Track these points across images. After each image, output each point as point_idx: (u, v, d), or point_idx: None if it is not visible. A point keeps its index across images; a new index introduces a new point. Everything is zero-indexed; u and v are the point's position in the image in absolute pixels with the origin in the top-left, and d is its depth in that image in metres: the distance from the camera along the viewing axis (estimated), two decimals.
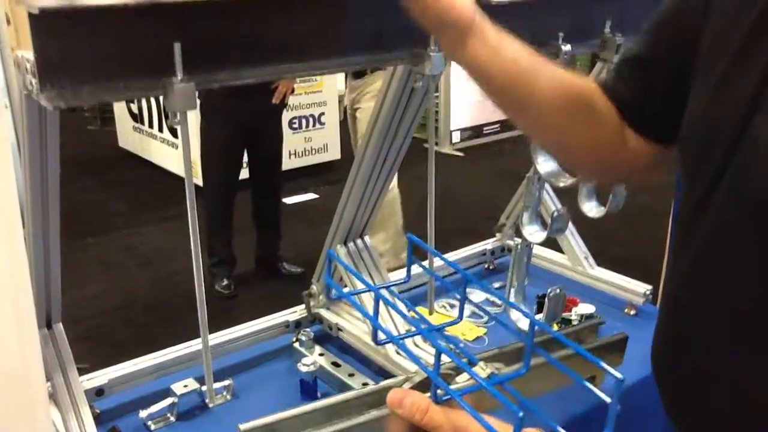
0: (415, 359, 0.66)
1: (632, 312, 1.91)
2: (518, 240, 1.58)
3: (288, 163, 5.11)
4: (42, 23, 0.84)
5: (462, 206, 5.21)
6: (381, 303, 0.69)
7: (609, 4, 1.46)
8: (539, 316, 1.57)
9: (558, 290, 1.45)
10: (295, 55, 1.06)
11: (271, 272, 4.16)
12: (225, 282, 4.00)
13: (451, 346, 0.73)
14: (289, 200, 5.29)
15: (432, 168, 1.41)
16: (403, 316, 1.54)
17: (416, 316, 1.56)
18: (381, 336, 0.74)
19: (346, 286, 1.76)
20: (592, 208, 1.55)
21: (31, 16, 0.84)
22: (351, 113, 4.08)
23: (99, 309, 3.88)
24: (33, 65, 0.87)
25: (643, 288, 1.90)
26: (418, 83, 1.22)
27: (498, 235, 2.21)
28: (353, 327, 1.66)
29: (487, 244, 2.21)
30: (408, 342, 1.42)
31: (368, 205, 1.59)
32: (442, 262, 2.11)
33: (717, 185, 0.72)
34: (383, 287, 0.76)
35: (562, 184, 1.40)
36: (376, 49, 1.14)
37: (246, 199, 4.17)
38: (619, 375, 0.54)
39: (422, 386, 0.67)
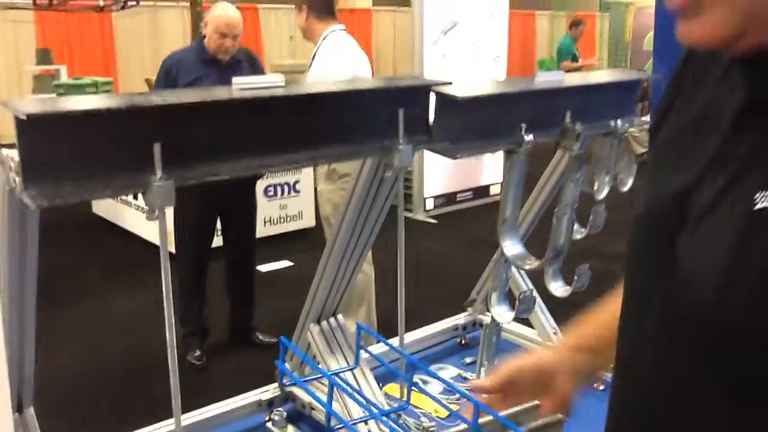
0: None
1: (601, 387, 1.94)
2: (487, 317, 1.62)
3: (263, 231, 5.15)
4: (28, 127, 0.89)
5: (436, 274, 5.26)
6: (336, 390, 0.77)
7: (569, 96, 1.54)
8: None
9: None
10: (267, 150, 1.11)
11: (244, 342, 4.14)
12: (197, 353, 3.97)
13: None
14: (263, 267, 5.31)
15: (402, 242, 1.45)
16: (357, 401, 1.56)
17: (377, 398, 1.58)
18: (334, 422, 0.82)
19: (319, 363, 1.78)
20: (558, 288, 1.60)
21: (17, 119, 0.88)
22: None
23: (70, 380, 3.83)
24: (17, 164, 0.91)
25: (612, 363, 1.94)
26: (388, 173, 1.28)
27: (469, 309, 2.26)
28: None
29: (459, 319, 2.25)
30: (361, 427, 1.44)
31: (341, 285, 1.63)
32: (414, 338, 2.15)
33: (653, 291, 0.72)
34: (335, 373, 0.81)
35: (527, 267, 1.45)
36: (347, 142, 1.20)
37: (220, 267, 4.18)
38: None
39: None
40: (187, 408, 1.95)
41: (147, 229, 6.03)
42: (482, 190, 7.59)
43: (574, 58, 10.37)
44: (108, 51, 11.54)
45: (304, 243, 6.07)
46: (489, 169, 7.54)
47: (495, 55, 7.15)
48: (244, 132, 1.08)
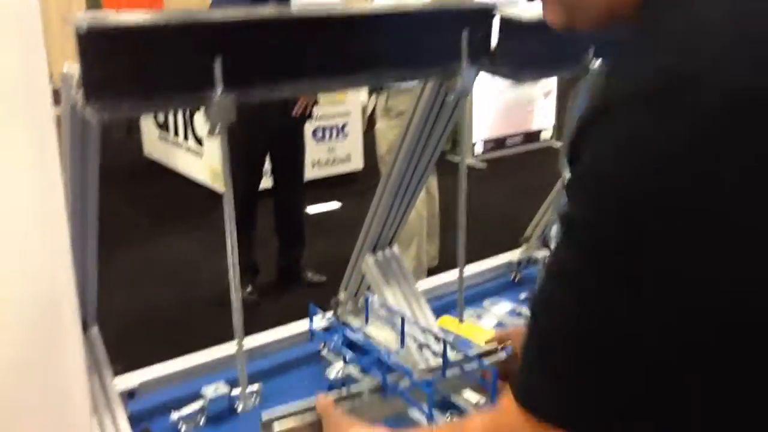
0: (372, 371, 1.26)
1: None
2: (544, 252, 1.59)
3: (311, 173, 5.16)
4: (88, 41, 0.88)
5: (485, 219, 5.22)
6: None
7: None
8: None
9: None
10: (329, 70, 1.09)
11: (293, 281, 4.20)
12: (249, 289, 4.04)
13: None
14: (311, 210, 5.34)
15: (464, 182, 1.42)
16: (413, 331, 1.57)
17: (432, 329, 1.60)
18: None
19: (374, 293, 1.79)
20: None
21: (77, 34, 0.87)
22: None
23: (122, 321, 3.93)
24: (78, 80, 0.91)
25: None
26: (450, 97, 1.25)
27: (524, 246, 2.23)
28: (380, 334, 1.68)
29: (514, 255, 2.23)
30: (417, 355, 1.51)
31: (397, 215, 1.61)
32: (470, 272, 2.13)
33: None
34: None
35: None
36: (408, 64, 1.17)
37: (270, 208, 4.22)
38: None
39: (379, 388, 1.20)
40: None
41: (198, 171, 6.11)
42: (533, 135, 7.47)
43: None
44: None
45: (352, 186, 6.08)
46: (540, 113, 7.40)
47: None
48: (306, 52, 1.05)
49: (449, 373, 1.29)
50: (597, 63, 1.39)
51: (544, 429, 0.64)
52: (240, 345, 1.16)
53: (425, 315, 1.70)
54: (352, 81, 1.11)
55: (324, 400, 1.09)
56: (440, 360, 1.31)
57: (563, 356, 0.63)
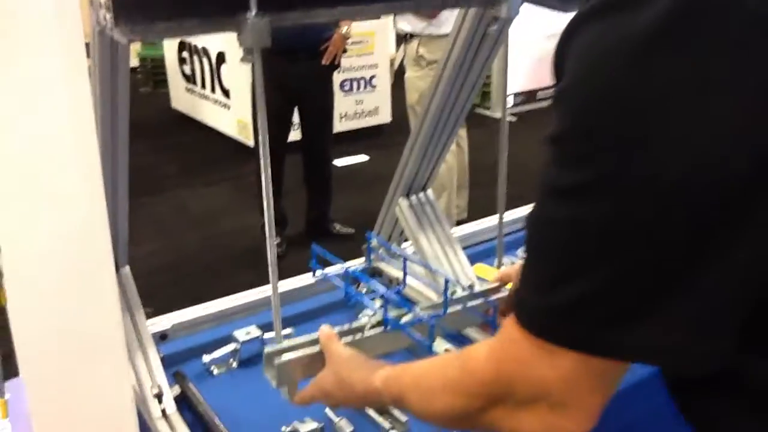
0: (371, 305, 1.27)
1: None
2: None
3: (338, 126, 5.10)
4: None
5: (516, 173, 5.12)
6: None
7: None
8: None
9: None
10: None
11: (321, 233, 4.17)
12: (276, 241, 4.02)
13: None
14: (339, 162, 5.29)
15: (505, 126, 1.36)
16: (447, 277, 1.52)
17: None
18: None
19: (406, 239, 1.75)
20: None
21: None
22: None
23: (150, 267, 3.95)
24: (108, 1, 0.86)
25: None
26: (492, 27, 1.19)
27: None
28: (414, 281, 1.65)
29: None
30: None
31: (432, 157, 1.56)
32: (506, 220, 2.08)
33: None
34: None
35: None
36: None
37: (298, 160, 4.18)
38: None
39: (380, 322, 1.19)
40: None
41: (225, 122, 6.08)
42: (530, 96, 7.31)
43: None
44: None
45: (379, 138, 6.02)
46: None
47: None
48: None
49: (451, 309, 1.27)
50: None
51: (553, 353, 0.63)
52: (275, 287, 1.12)
53: (459, 261, 1.66)
54: (390, 5, 1.05)
55: (327, 332, 1.10)
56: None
57: (565, 264, 0.62)
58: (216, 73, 6.04)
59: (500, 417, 0.70)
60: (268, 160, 1.02)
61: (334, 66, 3.93)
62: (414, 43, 3.76)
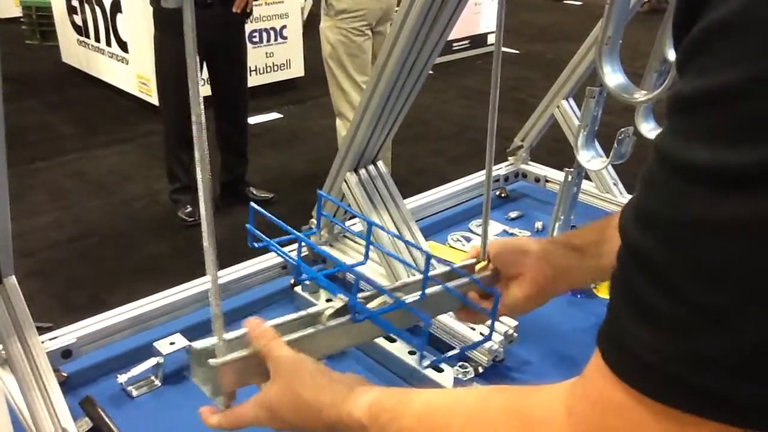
0: (332, 288, 0.86)
1: None
2: (532, 167, 1.33)
3: (249, 81, 4.75)
4: None
5: (439, 128, 4.93)
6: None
7: None
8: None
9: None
10: None
11: (238, 198, 3.86)
12: (188, 209, 3.70)
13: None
14: (251, 120, 4.95)
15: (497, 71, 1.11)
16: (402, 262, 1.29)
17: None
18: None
19: (352, 217, 1.51)
20: (651, 129, 1.31)
21: None
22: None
23: (51, 240, 3.57)
24: None
25: None
26: None
27: (511, 158, 1.97)
28: (363, 267, 1.42)
29: (500, 170, 1.97)
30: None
31: (385, 127, 1.32)
32: (450, 191, 1.87)
33: None
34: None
35: (634, 101, 1.13)
36: None
37: (209, 119, 3.83)
38: None
39: (344, 310, 0.85)
40: (186, 268, 1.68)
41: (123, 78, 5.60)
42: (479, 39, 7.16)
43: None
44: None
45: (293, 94, 5.69)
46: (486, 16, 7.07)
47: None
48: None
49: (429, 290, 0.95)
50: None
51: (686, 425, 0.42)
52: (214, 279, 0.81)
53: (417, 240, 1.44)
54: None
55: (261, 329, 0.78)
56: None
57: (723, 296, 0.40)
58: (111, 24, 5.53)
59: None
60: (205, 147, 0.74)
61: (246, 14, 3.60)
62: None
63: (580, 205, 1.82)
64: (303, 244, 0.97)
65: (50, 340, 1.16)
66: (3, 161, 0.93)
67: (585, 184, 1.86)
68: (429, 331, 0.92)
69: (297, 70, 5.88)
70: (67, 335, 1.17)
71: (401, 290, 0.95)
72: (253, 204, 0.94)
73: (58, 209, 3.95)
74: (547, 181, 1.95)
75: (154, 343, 1.21)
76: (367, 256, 1.01)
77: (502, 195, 1.97)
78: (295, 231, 0.90)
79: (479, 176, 1.93)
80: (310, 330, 0.84)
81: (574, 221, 1.52)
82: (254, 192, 3.91)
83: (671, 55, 1.28)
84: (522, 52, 7.25)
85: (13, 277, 1.03)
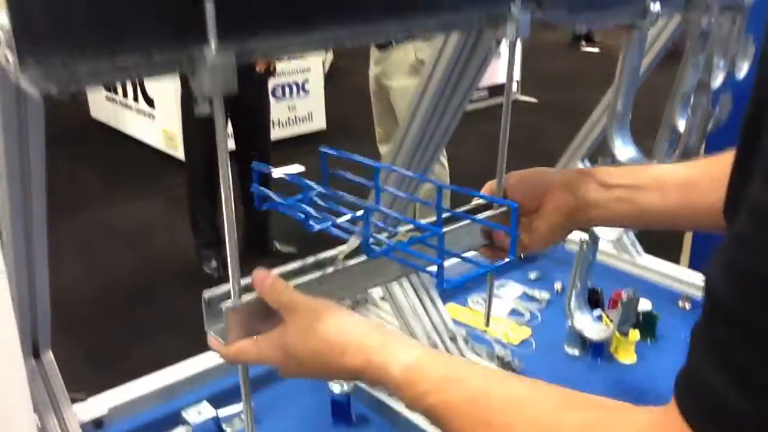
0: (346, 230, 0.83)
1: (687, 305, 1.71)
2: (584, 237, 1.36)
3: (271, 134, 4.85)
4: None
5: (454, 179, 4.98)
6: None
7: None
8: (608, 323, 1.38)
9: (632, 293, 1.25)
10: (347, 18, 0.82)
11: (262, 252, 3.92)
12: (214, 264, 3.76)
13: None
14: (273, 173, 5.03)
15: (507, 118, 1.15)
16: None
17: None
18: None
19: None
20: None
21: None
22: (378, 89, 3.64)
23: (79, 296, 3.63)
24: (9, 34, 0.62)
25: (701, 279, 1.70)
26: (486, 49, 1.00)
27: None
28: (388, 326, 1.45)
29: None
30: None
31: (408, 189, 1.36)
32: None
33: None
34: None
35: None
36: (446, 10, 0.90)
37: (233, 173, 3.90)
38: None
39: (359, 251, 0.84)
40: (202, 323, 1.69)
41: (149, 134, 5.74)
42: (498, 89, 7.24)
43: None
44: None
45: (315, 146, 5.75)
46: (505, 66, 7.15)
47: None
48: None
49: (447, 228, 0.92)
50: (656, 7, 1.14)
51: None
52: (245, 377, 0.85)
53: (438, 310, 1.46)
54: (379, 30, 0.84)
55: (267, 282, 0.75)
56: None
57: None
58: (139, 81, 5.68)
59: None
60: (233, 218, 0.79)
61: (270, 72, 3.70)
62: (406, 48, 3.38)
63: (598, 266, 1.84)
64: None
65: (83, 411, 1.20)
66: (43, 239, 0.98)
67: (602, 244, 1.88)
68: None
69: (319, 122, 5.99)
70: (99, 407, 1.20)
71: (416, 230, 0.91)
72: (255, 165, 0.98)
73: (85, 263, 4.02)
74: (565, 241, 1.97)
75: (182, 412, 1.24)
76: (377, 200, 0.99)
77: (521, 255, 1.99)
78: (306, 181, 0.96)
79: None
80: (328, 270, 0.83)
81: (593, 283, 1.54)
82: (278, 246, 3.97)
83: (681, 125, 1.32)
84: (540, 101, 7.32)
85: (50, 352, 1.08)
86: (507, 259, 0.91)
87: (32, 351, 1.07)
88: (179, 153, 5.12)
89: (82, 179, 5.34)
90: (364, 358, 0.67)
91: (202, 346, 1.38)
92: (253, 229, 3.98)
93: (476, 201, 1.01)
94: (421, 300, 1.45)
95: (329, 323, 0.70)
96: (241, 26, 0.72)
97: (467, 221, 0.95)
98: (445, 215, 0.95)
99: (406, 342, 0.69)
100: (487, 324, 1.48)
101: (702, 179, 0.87)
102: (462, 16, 0.94)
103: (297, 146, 5.70)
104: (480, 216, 0.97)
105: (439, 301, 1.46)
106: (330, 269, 0.85)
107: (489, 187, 0.99)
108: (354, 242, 0.86)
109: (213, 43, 0.66)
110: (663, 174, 0.92)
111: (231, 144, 3.98)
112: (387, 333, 0.69)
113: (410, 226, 0.92)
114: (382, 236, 0.89)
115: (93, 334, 3.31)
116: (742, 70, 1.47)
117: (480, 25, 0.94)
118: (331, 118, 5.94)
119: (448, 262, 0.85)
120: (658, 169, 0.96)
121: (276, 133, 5.48)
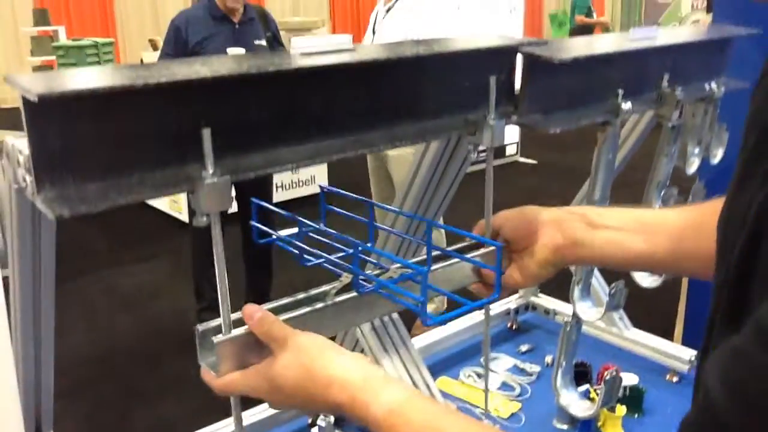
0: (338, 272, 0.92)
1: (675, 379, 1.75)
2: (540, 299, 1.42)
3: (274, 197, 4.94)
4: (40, 110, 0.67)
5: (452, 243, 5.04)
6: None
7: (663, 57, 1.31)
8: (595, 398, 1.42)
9: (614, 372, 1.30)
10: (337, 130, 0.90)
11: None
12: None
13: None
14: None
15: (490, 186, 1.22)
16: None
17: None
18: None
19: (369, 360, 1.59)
20: (644, 277, 1.40)
21: (25, 102, 0.67)
22: (374, 157, 3.78)
23: (82, 359, 3.67)
24: (28, 159, 0.70)
25: (688, 354, 1.75)
26: (467, 151, 1.08)
27: (521, 291, 2.06)
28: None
29: (510, 303, 2.05)
30: None
31: None
32: (464, 325, 1.94)
33: None
34: None
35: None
36: (428, 118, 0.98)
37: (236, 234, 3.98)
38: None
39: (349, 287, 0.91)
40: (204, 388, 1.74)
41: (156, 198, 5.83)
42: (497, 151, 7.35)
43: (589, 13, 10.03)
44: (107, 10, 11.17)
45: (318, 209, 5.85)
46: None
47: (511, 7, 6.84)
48: (310, 108, 0.86)
49: (435, 266, 1.01)
50: (628, 105, 1.22)
51: None
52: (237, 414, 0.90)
53: (425, 379, 1.51)
54: (365, 142, 0.92)
55: (256, 316, 0.80)
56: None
57: None
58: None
59: None
60: (227, 294, 0.86)
61: None
62: None
63: (587, 338, 1.89)
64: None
65: None
66: (51, 331, 1.04)
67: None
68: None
69: (321, 185, 6.08)
70: None
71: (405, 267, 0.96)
72: (254, 200, 1.06)
73: (88, 326, 4.07)
74: (556, 314, 2.03)
75: None
76: (371, 237, 1.12)
77: (513, 327, 2.05)
78: (301, 219, 1.04)
79: (491, 309, 2.01)
80: (317, 305, 0.88)
81: (582, 357, 1.59)
82: None
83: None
84: (539, 162, 7.43)
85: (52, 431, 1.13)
86: (494, 296, 0.97)
87: (35, 430, 1.12)
88: (183, 215, 5.21)
89: (87, 241, 5.42)
90: (348, 395, 0.69)
91: (206, 415, 1.43)
92: (254, 292, 4.03)
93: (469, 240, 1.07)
94: (411, 376, 1.50)
95: (316, 357, 0.73)
96: (235, 146, 0.80)
97: (456, 260, 1.02)
98: (435, 254, 1.02)
99: (390, 382, 0.71)
100: (486, 407, 1.54)
101: (689, 227, 0.89)
102: (443, 122, 1.02)
103: (299, 208, 5.78)
104: (470, 255, 1.03)
105: (428, 375, 1.51)
106: (320, 304, 0.91)
107: (480, 226, 1.04)
108: (346, 279, 0.92)
109: (210, 168, 0.74)
110: (651, 219, 0.95)
111: (234, 206, 4.05)
112: (372, 371, 0.72)
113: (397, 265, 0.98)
114: (373, 273, 0.97)
115: (94, 398, 3.34)
116: (717, 156, 1.54)
117: (459, 133, 1.02)
118: (333, 180, 6.04)
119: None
120: (647, 213, 1.00)
121: (278, 196, 5.58)
